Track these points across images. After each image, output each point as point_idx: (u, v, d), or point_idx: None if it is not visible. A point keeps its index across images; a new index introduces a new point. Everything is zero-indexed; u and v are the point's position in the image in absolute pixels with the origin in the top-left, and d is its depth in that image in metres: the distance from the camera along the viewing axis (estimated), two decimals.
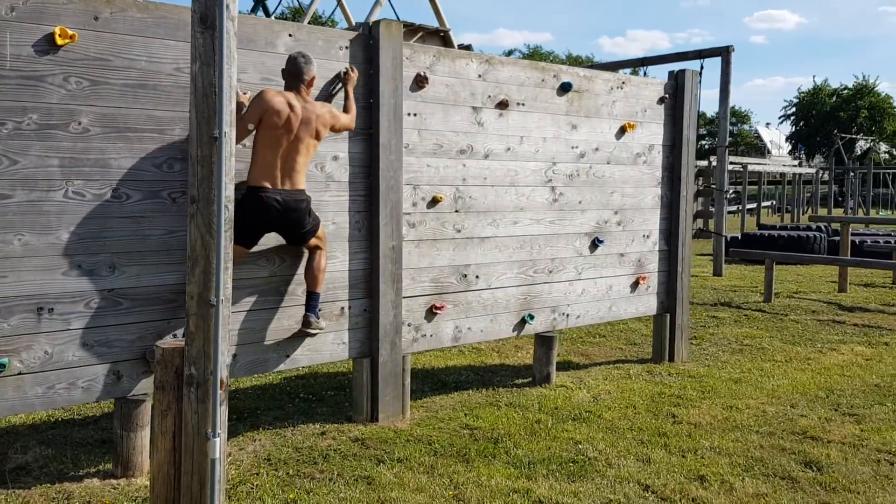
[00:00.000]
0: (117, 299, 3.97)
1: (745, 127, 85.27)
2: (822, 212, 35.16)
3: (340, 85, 4.73)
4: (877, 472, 4.26)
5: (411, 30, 12.11)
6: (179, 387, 2.47)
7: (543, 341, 6.02)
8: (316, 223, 4.51)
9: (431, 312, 5.28)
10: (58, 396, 3.83)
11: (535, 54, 57.23)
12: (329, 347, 4.82)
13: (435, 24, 12.76)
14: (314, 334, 4.64)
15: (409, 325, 5.16)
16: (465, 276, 5.45)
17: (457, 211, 5.36)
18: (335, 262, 4.79)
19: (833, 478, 4.17)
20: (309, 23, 11.51)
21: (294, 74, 4.36)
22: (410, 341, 5.18)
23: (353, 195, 4.85)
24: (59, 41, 3.67)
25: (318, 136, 4.42)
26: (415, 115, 5.09)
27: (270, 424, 4.93)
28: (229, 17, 2.39)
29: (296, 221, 4.36)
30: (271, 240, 4.49)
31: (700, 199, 14.73)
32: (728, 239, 17.68)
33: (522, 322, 5.82)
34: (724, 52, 13.38)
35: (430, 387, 5.96)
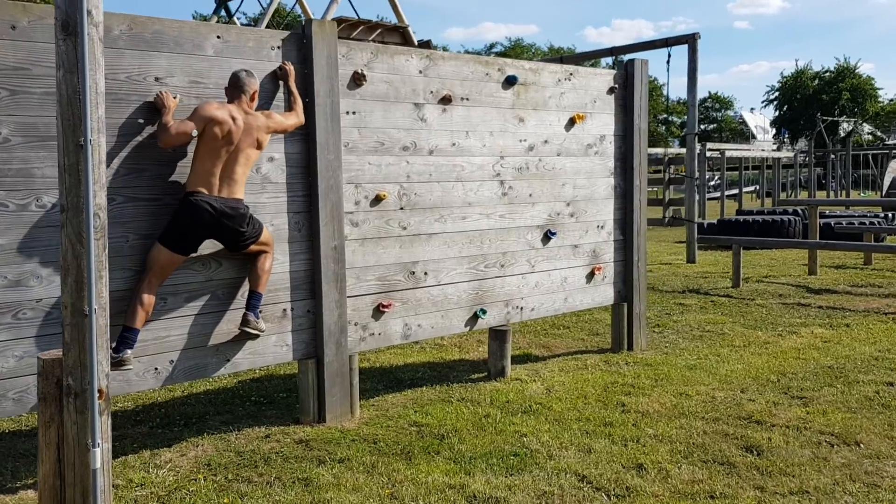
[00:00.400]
0: (47, 309, 3.94)
1: (730, 113, 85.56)
2: (804, 195, 35.30)
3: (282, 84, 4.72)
4: (816, 455, 4.28)
5: (369, 27, 12.08)
6: (61, 398, 2.45)
7: (497, 335, 6.02)
8: (257, 230, 4.50)
9: (379, 311, 5.27)
10: None
11: (516, 47, 57.19)
12: (272, 350, 4.81)
13: (394, 20, 12.73)
14: (253, 335, 4.62)
15: (355, 324, 5.15)
16: (414, 273, 5.44)
17: (402, 208, 5.35)
18: (275, 264, 4.77)
19: (771, 462, 4.19)
20: (271, 20, 11.43)
21: (237, 87, 4.40)
22: (357, 340, 5.17)
23: (291, 196, 4.83)
24: None
25: (259, 146, 4.45)
26: (353, 113, 5.07)
27: (216, 429, 4.92)
28: (92, 24, 2.37)
29: (232, 229, 4.34)
30: (207, 245, 4.47)
31: (672, 187, 14.76)
32: (705, 226, 17.76)
33: (475, 317, 5.82)
34: (690, 40, 13.39)
35: (384, 385, 5.95)
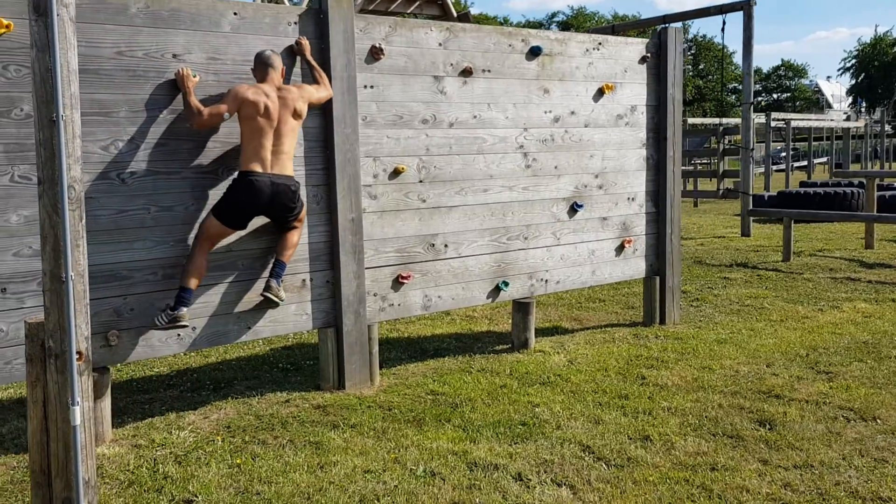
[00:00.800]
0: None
1: (804, 81, 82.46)
2: (877, 167, 33.91)
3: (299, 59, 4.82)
4: (829, 430, 4.21)
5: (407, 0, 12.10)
6: (45, 359, 2.61)
7: (520, 307, 6.05)
8: (301, 206, 4.70)
9: (398, 282, 5.35)
10: (16, 371, 4.04)
11: (578, 16, 56.30)
12: (292, 319, 4.95)
13: None
14: (274, 302, 4.74)
15: (374, 295, 5.25)
16: (434, 245, 5.50)
17: (421, 181, 5.40)
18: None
19: (781, 436, 4.13)
20: None
21: (266, 65, 4.55)
22: (376, 311, 5.28)
23: (309, 169, 4.94)
24: None
25: (299, 116, 4.58)
26: (371, 87, 5.13)
27: (241, 393, 5.10)
28: (62, 4, 2.48)
29: (284, 206, 4.55)
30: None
31: (727, 158, 14.39)
32: (766, 198, 17.27)
33: (497, 289, 5.85)
34: (745, 6, 12.99)
35: (408, 355, 6.06)
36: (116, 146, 4.23)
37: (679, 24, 8.56)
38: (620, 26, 14.64)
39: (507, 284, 5.86)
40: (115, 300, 4.30)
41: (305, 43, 4.79)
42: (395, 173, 5.28)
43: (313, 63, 4.82)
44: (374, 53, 5.11)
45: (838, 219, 11.71)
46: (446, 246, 5.56)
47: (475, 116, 5.61)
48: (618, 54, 6.39)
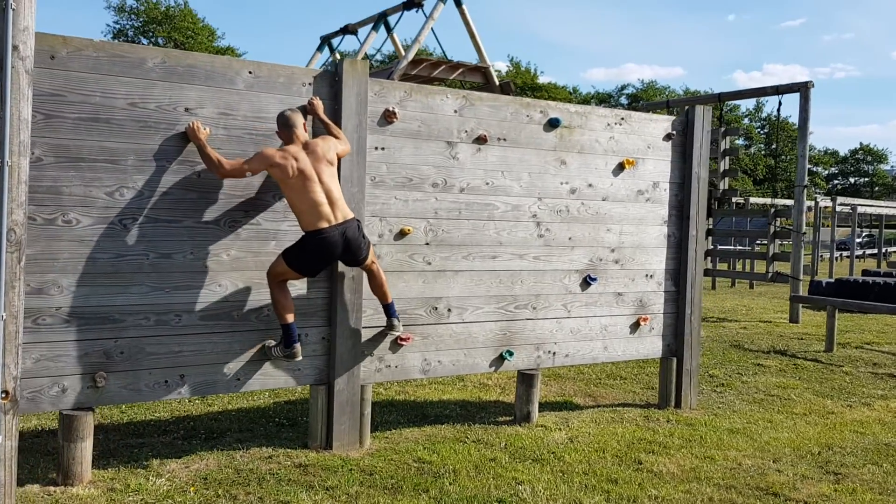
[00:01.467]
0: (64, 317, 4.26)
1: (883, 167, 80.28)
2: None
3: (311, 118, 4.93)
4: None
5: (450, 66, 12.28)
6: None
7: (525, 379, 5.93)
8: (369, 242, 4.88)
9: (397, 344, 5.32)
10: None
11: (648, 89, 56.42)
12: (283, 373, 4.95)
13: (475, 60, 12.89)
14: (398, 335, 5.15)
15: (370, 355, 5.22)
16: (436, 308, 5.47)
17: (427, 243, 5.41)
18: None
19: None
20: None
21: (288, 126, 4.68)
22: (372, 371, 5.24)
23: None
24: None
25: (331, 163, 4.72)
26: (382, 148, 5.20)
27: (229, 445, 5.10)
28: (18, 57, 2.60)
29: (358, 248, 4.75)
30: (224, 265, 4.69)
31: (777, 241, 14.02)
32: (824, 284, 16.70)
33: (501, 358, 5.76)
34: (802, 88, 12.81)
35: (406, 419, 5.98)
36: (122, 193, 4.37)
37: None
38: (674, 102, 14.59)
39: (511, 354, 5.77)
40: (107, 342, 4.38)
41: (318, 103, 4.90)
42: (401, 234, 5.30)
43: (327, 121, 4.92)
44: (388, 116, 5.20)
45: (885, 311, 11.21)
46: (450, 310, 5.52)
47: (487, 183, 5.62)
48: (641, 130, 6.35)
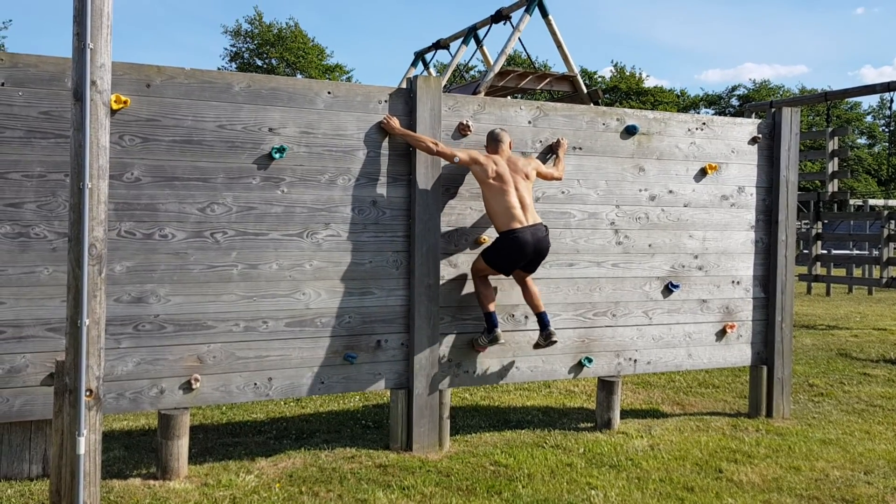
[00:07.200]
0: (162, 324, 4.63)
1: None
2: None
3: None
4: None
5: (538, 76, 12.29)
6: (63, 393, 2.96)
7: (605, 386, 5.94)
8: None
9: (474, 350, 5.46)
10: (107, 405, 4.52)
11: (761, 89, 54.27)
12: (365, 377, 5.18)
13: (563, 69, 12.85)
14: (554, 342, 5.41)
15: (448, 361, 5.38)
16: (513, 315, 5.58)
17: None
18: (372, 297, 5.16)
19: None
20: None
21: (495, 140, 5.30)
22: (450, 377, 5.40)
23: (390, 236, 5.21)
24: (115, 106, 4.42)
25: (528, 178, 5.27)
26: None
27: (316, 445, 5.37)
28: (97, 91, 2.89)
29: (544, 249, 5.25)
30: (308, 275, 4.96)
31: (892, 245, 13.32)
32: None
33: (580, 365, 5.80)
34: None
35: (489, 423, 6.09)
36: (212, 208, 4.72)
37: (797, 108, 8.16)
38: (778, 102, 14.10)
39: (590, 360, 5.80)
40: (200, 347, 4.73)
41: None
42: (476, 244, 5.44)
43: (560, 156, 5.56)
44: (462, 129, 5.36)
45: None
46: (526, 317, 5.62)
47: (563, 192, 5.69)
48: (725, 134, 6.25)
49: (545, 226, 5.25)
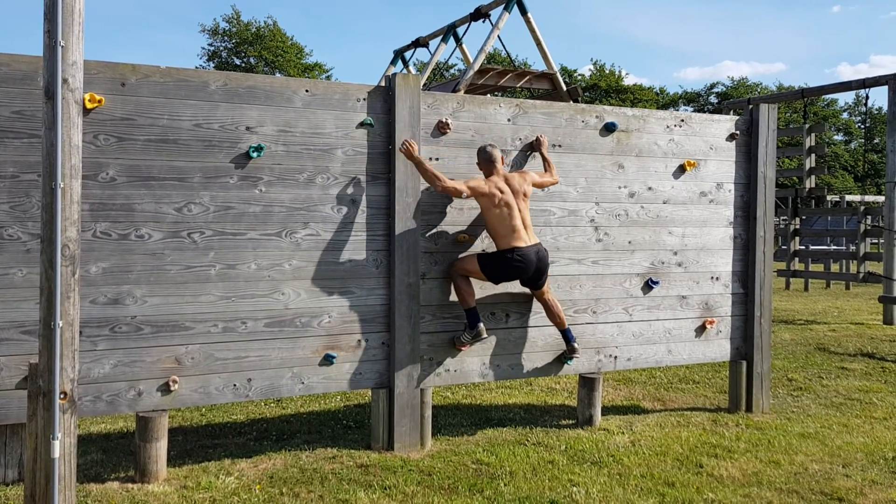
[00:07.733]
0: (139, 325, 4.58)
1: None
2: None
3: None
4: None
5: (517, 74, 12.32)
6: (37, 396, 2.92)
7: (586, 383, 5.95)
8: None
9: (455, 348, 5.44)
10: (84, 408, 4.46)
11: (739, 87, 54.72)
12: (345, 377, 5.15)
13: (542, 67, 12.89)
14: (579, 356, 5.68)
15: (429, 359, 5.36)
16: (494, 313, 5.57)
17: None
18: (352, 297, 5.13)
19: None
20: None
21: (489, 161, 5.29)
22: (431, 375, 5.38)
23: (370, 235, 5.19)
24: (89, 105, 4.36)
25: (526, 196, 5.34)
26: (437, 159, 5.35)
27: (297, 446, 5.33)
28: (68, 89, 2.85)
29: (545, 267, 5.35)
30: (288, 273, 4.93)
31: (868, 240, 13.46)
32: None
33: (560, 362, 5.81)
34: (890, 81, 12.27)
35: (469, 421, 6.09)
36: (189, 208, 4.67)
37: (774, 104, 8.25)
38: (755, 100, 14.21)
39: (571, 358, 5.80)
40: (178, 348, 4.68)
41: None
42: (457, 242, 5.43)
43: (547, 157, 5.60)
44: (441, 128, 5.35)
45: None
46: (508, 315, 5.61)
47: (543, 189, 5.68)
48: (703, 131, 6.28)
49: (544, 248, 5.39)
